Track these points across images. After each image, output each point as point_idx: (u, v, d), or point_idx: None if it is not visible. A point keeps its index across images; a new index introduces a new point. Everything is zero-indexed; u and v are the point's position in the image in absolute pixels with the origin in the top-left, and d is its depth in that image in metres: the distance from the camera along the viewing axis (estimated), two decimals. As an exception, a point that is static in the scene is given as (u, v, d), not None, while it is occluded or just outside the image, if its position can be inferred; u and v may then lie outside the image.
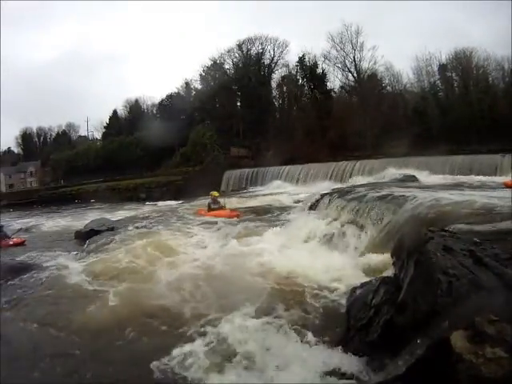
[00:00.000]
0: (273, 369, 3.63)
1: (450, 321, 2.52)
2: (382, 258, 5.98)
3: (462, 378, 1.89)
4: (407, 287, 3.72)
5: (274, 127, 41.19)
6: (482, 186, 12.26)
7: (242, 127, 42.94)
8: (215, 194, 16.83)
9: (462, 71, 41.68)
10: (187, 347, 4.33)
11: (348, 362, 3.49)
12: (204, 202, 22.30)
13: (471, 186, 12.30)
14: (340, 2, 65.50)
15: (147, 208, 21.64)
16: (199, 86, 52.06)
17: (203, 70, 50.69)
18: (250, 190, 27.74)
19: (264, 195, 21.45)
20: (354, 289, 5.02)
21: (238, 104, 49.18)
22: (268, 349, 4.07)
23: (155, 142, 42.50)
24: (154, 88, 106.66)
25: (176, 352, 4.19)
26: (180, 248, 9.13)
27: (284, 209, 15.40)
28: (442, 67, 42.83)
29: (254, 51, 48.65)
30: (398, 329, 3.26)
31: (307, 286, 6.01)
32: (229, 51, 49.12)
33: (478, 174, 18.24)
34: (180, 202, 24.12)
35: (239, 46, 48.76)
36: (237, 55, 49.44)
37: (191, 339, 4.56)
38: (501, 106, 36.30)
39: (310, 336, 4.31)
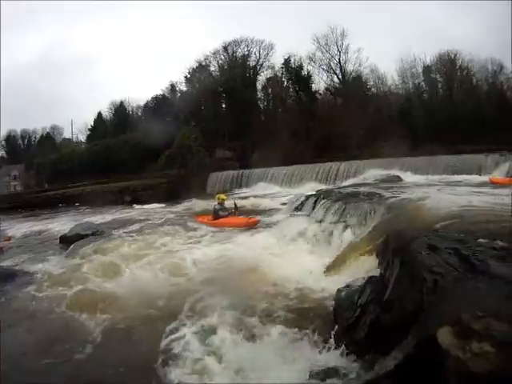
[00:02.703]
0: (261, 369, 3.61)
1: (436, 318, 2.53)
2: (368, 258, 5.98)
3: (450, 374, 1.90)
4: (393, 286, 3.74)
5: (259, 129, 41.15)
6: (468, 185, 12.44)
7: (227, 129, 42.83)
8: (223, 196, 13.96)
9: (446, 73, 42.62)
10: (176, 345, 4.36)
11: (336, 362, 3.50)
12: (188, 204, 22.38)
13: (458, 185, 12.50)
14: (326, 4, 65.61)
15: (132, 211, 21.41)
16: (185, 88, 51.80)
17: (189, 72, 50.43)
18: (236, 192, 27.66)
19: (249, 197, 21.37)
20: (341, 289, 5.04)
21: (224, 106, 49.12)
22: (256, 350, 4.06)
23: (140, 145, 42.28)
24: (140, 90, 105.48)
25: (164, 352, 4.18)
26: (166, 250, 9.04)
27: (270, 211, 15.39)
28: (427, 69, 43.64)
29: (239, 53, 48.56)
30: (385, 327, 3.27)
31: (293, 287, 6.02)
32: (214, 53, 48.98)
33: (463, 174, 18.43)
34: (165, 204, 23.90)
35: (225, 48, 48.59)
36: (222, 57, 49.30)
37: (181, 335, 4.59)
38: (484, 106, 37.26)
39: (297, 336, 4.31)
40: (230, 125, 42.55)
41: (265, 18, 75.81)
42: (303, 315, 4.98)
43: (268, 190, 26.43)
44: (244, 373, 3.71)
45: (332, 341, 4.02)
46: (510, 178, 13.34)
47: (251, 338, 4.42)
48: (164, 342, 4.57)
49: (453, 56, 42.13)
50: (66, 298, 6.26)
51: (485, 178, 14.53)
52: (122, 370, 4.06)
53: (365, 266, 5.78)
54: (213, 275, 6.99)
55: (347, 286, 5.01)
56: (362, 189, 11.18)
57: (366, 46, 56.82)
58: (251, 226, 12.17)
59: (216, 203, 13.47)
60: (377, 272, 4.79)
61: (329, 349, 3.84)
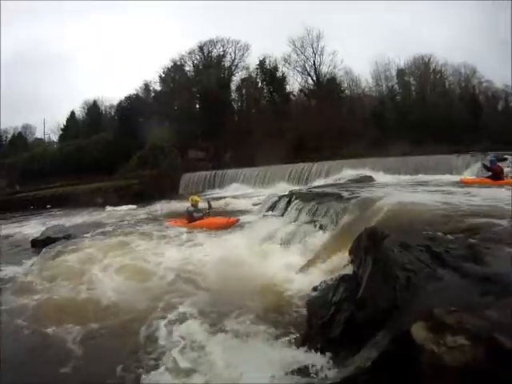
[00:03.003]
0: (236, 369, 3.59)
1: (409, 314, 2.56)
2: (341, 257, 6.01)
3: (426, 368, 1.92)
4: (366, 284, 3.78)
5: (232, 130, 41.04)
6: (439, 184, 12.67)
7: (200, 130, 42.49)
8: (196, 198, 13.53)
9: (419, 76, 44.20)
10: (150, 347, 4.33)
11: (312, 360, 3.47)
12: (160, 206, 22.09)
13: (428, 184, 12.74)
14: (302, 4, 65.96)
15: (104, 213, 21.02)
16: (159, 88, 51.08)
17: (163, 72, 49.80)
18: (208, 193, 27.49)
19: (222, 198, 21.26)
20: (314, 288, 5.06)
21: (197, 106, 48.63)
22: (230, 349, 4.03)
23: (113, 145, 41.58)
24: (114, 89, 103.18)
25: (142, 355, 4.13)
26: (136, 254, 8.87)
27: (242, 211, 15.32)
28: (401, 72, 44.92)
29: (215, 53, 48.33)
30: (359, 325, 3.29)
31: (267, 287, 6.01)
32: (190, 53, 48.60)
33: (435, 174, 18.84)
34: (136, 206, 23.56)
35: (201, 48, 48.23)
36: (198, 57, 48.97)
37: (154, 338, 4.56)
38: (456, 109, 39.09)
39: (271, 336, 4.31)
40: (203, 125, 42.19)
41: (241, 19, 75.47)
42: (277, 315, 4.98)
43: (241, 191, 26.33)
44: (219, 372, 3.67)
45: (307, 339, 4.03)
46: (480, 177, 13.62)
47: (225, 338, 4.39)
48: (140, 343, 4.55)
49: (427, 60, 43.75)
50: (33, 306, 6.07)
51: (456, 178, 14.83)
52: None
53: (338, 265, 5.81)
54: (184, 277, 6.91)
55: (321, 284, 5.03)
56: (334, 189, 11.24)
57: (341, 48, 57.64)
58: (230, 226, 12.03)
59: (190, 205, 13.10)
60: (350, 270, 4.83)
61: (304, 347, 3.84)
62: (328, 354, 3.43)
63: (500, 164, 13.67)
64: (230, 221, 12.37)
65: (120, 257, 8.48)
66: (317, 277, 5.80)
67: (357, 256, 4.74)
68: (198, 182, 33.40)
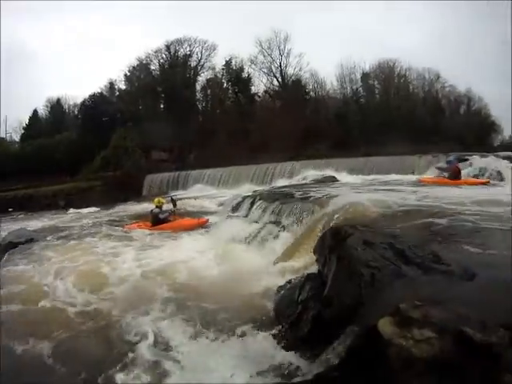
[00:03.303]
0: (205, 370, 3.56)
1: (376, 310, 2.61)
2: (305, 256, 6.07)
3: (394, 361, 1.95)
4: (331, 282, 3.82)
5: (196, 130, 40.59)
6: (401, 184, 13.03)
7: (164, 130, 41.83)
8: (161, 200, 12.86)
9: (384, 80, 45.54)
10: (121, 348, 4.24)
11: (282, 359, 3.49)
12: (124, 208, 21.64)
13: (388, 184, 13.09)
14: (270, 4, 66.27)
15: (66, 217, 20.32)
16: (124, 87, 49.66)
17: (128, 70, 48.39)
18: (172, 194, 27.04)
19: (186, 199, 20.95)
20: (280, 287, 5.08)
21: (162, 106, 47.73)
22: (199, 351, 3.99)
23: (76, 145, 40.26)
24: (78, 87, 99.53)
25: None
26: (98, 259, 8.59)
27: (207, 213, 15.19)
28: (365, 75, 46.13)
29: (181, 53, 47.33)
30: (327, 322, 3.31)
31: (233, 288, 5.94)
32: (156, 51, 47.30)
33: (397, 174, 19.32)
34: (99, 209, 22.92)
35: (167, 47, 47.13)
36: (164, 56, 47.79)
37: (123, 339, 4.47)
38: (419, 112, 40.86)
39: (239, 336, 4.27)
40: (167, 125, 41.50)
41: (210, 18, 74.57)
42: (245, 315, 4.91)
43: (205, 192, 25.98)
44: (189, 374, 3.63)
45: (276, 338, 4.03)
46: (438, 177, 14.01)
47: (194, 340, 4.33)
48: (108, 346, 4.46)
49: (392, 64, 45.19)
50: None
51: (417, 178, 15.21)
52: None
53: (303, 264, 5.88)
54: (150, 282, 6.72)
55: (287, 283, 5.06)
56: (298, 189, 11.34)
57: (308, 51, 58.03)
58: (201, 226, 11.82)
59: (154, 207, 12.54)
60: (315, 269, 4.87)
61: (273, 346, 3.85)
62: (297, 353, 3.45)
63: (457, 164, 14.09)
64: (200, 221, 12.18)
65: (79, 262, 8.22)
66: (282, 276, 5.84)
67: (321, 255, 4.77)
68: (162, 183, 32.85)
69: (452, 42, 75.10)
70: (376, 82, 46.78)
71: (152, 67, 48.39)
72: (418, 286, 2.87)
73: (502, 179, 14.57)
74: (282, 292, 4.92)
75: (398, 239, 3.98)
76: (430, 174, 15.82)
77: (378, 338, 2.14)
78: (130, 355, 4.13)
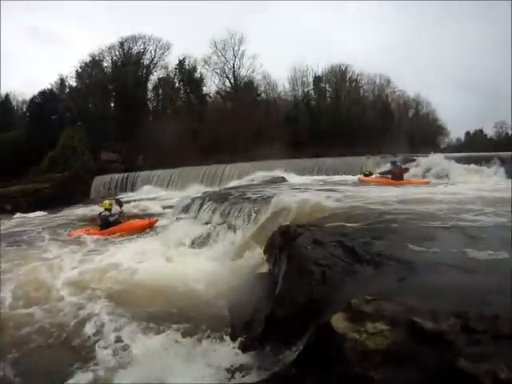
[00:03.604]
0: (162, 376, 3.50)
1: (328, 306, 2.67)
2: (256, 256, 6.10)
3: (350, 355, 1.99)
4: (282, 281, 3.87)
5: (146, 130, 39.61)
6: (344, 183, 13.39)
7: (114, 130, 40.43)
8: (109, 202, 12.42)
9: (335, 83, 47.03)
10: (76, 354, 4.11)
11: (238, 360, 3.49)
12: (72, 212, 20.76)
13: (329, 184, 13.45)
14: (226, 4, 66.35)
15: (11, 222, 19.16)
16: (75, 84, 47.24)
17: (80, 67, 46.09)
18: (121, 196, 26.28)
19: (135, 201, 20.42)
20: (233, 288, 5.07)
21: (112, 105, 46.18)
22: (155, 356, 3.91)
23: (23, 144, 37.88)
24: (28, 84, 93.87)
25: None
26: (45, 268, 8.14)
27: (155, 215, 14.90)
28: (317, 79, 47.13)
29: (135, 50, 45.89)
30: (281, 321, 3.34)
31: (185, 292, 5.85)
32: (110, 48, 45.57)
33: (346, 174, 19.67)
34: (47, 213, 21.80)
35: (121, 44, 45.46)
36: (117, 53, 46.08)
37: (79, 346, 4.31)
38: (368, 115, 42.81)
39: (195, 339, 4.20)
40: (117, 125, 40.13)
41: (166, 17, 73.37)
42: (199, 318, 4.82)
43: (154, 194, 25.46)
44: (145, 379, 3.57)
45: (231, 339, 4.02)
46: (377, 177, 14.50)
47: (149, 346, 4.22)
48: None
49: (344, 69, 46.97)
50: None
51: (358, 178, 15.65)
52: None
53: (253, 264, 5.89)
54: (98, 289, 6.47)
55: (239, 284, 5.06)
56: (247, 190, 11.39)
57: (262, 53, 58.90)
58: (151, 226, 11.71)
59: (103, 210, 12.07)
60: (266, 269, 4.91)
61: (228, 347, 3.83)
62: (254, 353, 3.46)
63: (401, 165, 14.76)
64: (150, 221, 12.02)
65: (21, 271, 7.83)
66: (234, 277, 5.81)
67: (271, 254, 4.83)
68: (110, 185, 31.81)
69: (403, 50, 79.21)
70: (327, 86, 48.00)
71: (105, 64, 46.81)
72: (368, 282, 2.96)
73: (447, 178, 15.35)
74: (235, 292, 4.91)
75: (348, 237, 4.09)
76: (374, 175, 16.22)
77: (333, 334, 2.18)
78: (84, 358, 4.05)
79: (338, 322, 2.23)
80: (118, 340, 4.42)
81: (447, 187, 11.08)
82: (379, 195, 7.97)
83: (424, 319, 2.01)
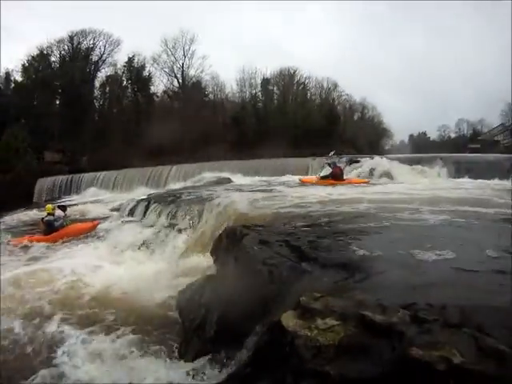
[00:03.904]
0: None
1: (278, 305, 2.69)
2: (203, 258, 6.05)
3: (303, 351, 2.00)
4: (231, 282, 3.89)
5: (92, 130, 38.19)
6: (282, 184, 13.56)
7: (58, 128, 38.47)
8: (52, 206, 11.88)
9: (283, 86, 48.00)
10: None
11: (192, 364, 3.42)
12: (15, 217, 19.61)
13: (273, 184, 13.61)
14: (182, 6, 65.48)
15: None
16: (20, 79, 43.60)
17: (27, 60, 42.82)
18: (65, 199, 25.16)
19: (78, 204, 19.63)
20: (182, 291, 4.99)
21: (58, 103, 43.78)
22: (106, 365, 3.76)
23: None
24: None
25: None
26: None
27: (100, 218, 14.40)
28: (265, 81, 47.91)
29: (84, 45, 43.89)
30: (232, 322, 3.32)
31: (134, 297, 5.69)
32: (59, 42, 43.14)
33: (292, 175, 19.83)
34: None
35: (71, 38, 43.22)
36: (66, 47, 43.79)
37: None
38: (315, 117, 43.82)
39: (147, 346, 4.12)
40: (62, 124, 38.25)
41: (118, 12, 70.70)
42: (150, 323, 4.73)
43: (99, 196, 24.50)
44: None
45: (183, 343, 3.98)
46: (317, 177, 14.84)
47: (99, 355, 4.04)
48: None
49: (292, 72, 48.18)
50: None
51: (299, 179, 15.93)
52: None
53: (201, 266, 5.84)
54: (45, 299, 6.17)
55: (188, 287, 4.99)
56: (193, 191, 11.33)
57: (212, 54, 58.83)
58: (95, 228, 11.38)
59: (46, 215, 11.49)
60: (214, 270, 4.86)
61: (181, 352, 3.79)
62: (208, 356, 3.41)
63: (340, 166, 15.18)
64: (94, 224, 11.70)
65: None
66: (182, 280, 5.73)
67: (219, 256, 4.84)
68: (54, 187, 30.20)
69: (351, 55, 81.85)
70: (275, 88, 48.86)
71: (52, 59, 44.21)
72: (316, 279, 2.99)
73: (391, 178, 16.02)
74: (184, 296, 4.84)
75: (292, 237, 4.18)
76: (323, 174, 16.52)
77: (284, 332, 2.19)
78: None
79: (288, 320, 2.24)
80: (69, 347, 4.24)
81: (386, 186, 11.66)
82: (310, 194, 8.16)
83: (373, 312, 2.07)
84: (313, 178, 15.23)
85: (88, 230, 11.32)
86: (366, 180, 15.02)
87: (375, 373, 1.80)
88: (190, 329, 4.11)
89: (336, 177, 13.94)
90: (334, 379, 1.85)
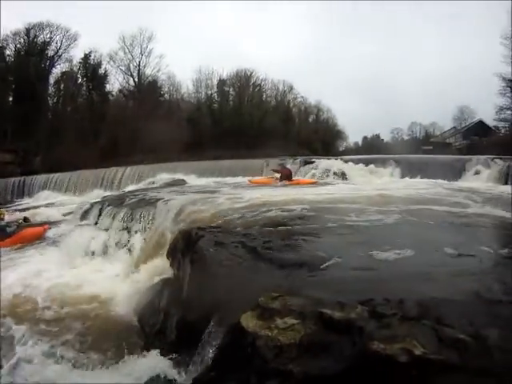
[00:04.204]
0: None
1: (236, 306, 2.67)
2: (159, 261, 5.92)
3: (265, 351, 2.03)
4: (188, 285, 3.88)
5: (45, 129, 36.62)
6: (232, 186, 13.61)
7: (10, 127, 36.58)
8: (3, 211, 11.81)
9: (239, 87, 48.36)
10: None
11: (156, 371, 3.36)
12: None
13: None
14: (137, 4, 63.98)
15: None
16: None
17: None
18: (17, 202, 24.06)
19: (31, 208, 18.84)
20: (140, 296, 4.91)
21: (11, 99, 41.23)
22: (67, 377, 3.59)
23: None
24: None
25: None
26: None
27: (54, 222, 13.91)
28: (221, 82, 48.25)
29: (41, 39, 41.64)
30: (192, 325, 3.28)
31: (91, 304, 5.51)
32: (15, 34, 40.78)
33: (245, 176, 19.80)
34: None
35: (27, 31, 40.92)
36: (22, 40, 41.37)
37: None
38: (270, 118, 44.50)
39: (109, 355, 3.97)
40: (14, 122, 36.35)
41: (76, 6, 67.75)
42: (109, 331, 4.58)
43: (52, 199, 23.63)
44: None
45: (145, 350, 3.86)
46: (267, 177, 15.06)
47: (60, 365, 3.85)
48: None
49: (249, 74, 48.65)
50: None
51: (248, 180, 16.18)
52: None
53: (158, 270, 5.72)
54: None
55: (145, 291, 4.94)
56: (147, 193, 11.12)
57: (169, 53, 57.98)
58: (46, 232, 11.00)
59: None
60: (171, 273, 4.80)
61: (144, 358, 3.67)
62: (170, 361, 3.38)
63: (288, 167, 15.89)
64: (44, 228, 11.37)
65: None
66: (139, 284, 5.62)
67: (175, 258, 4.83)
68: (6, 190, 28.64)
69: (307, 58, 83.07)
70: (231, 89, 49.16)
71: (7, 52, 41.70)
72: (273, 279, 3.05)
73: (345, 178, 16.79)
74: (142, 301, 4.78)
75: (249, 237, 4.22)
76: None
77: (244, 333, 2.22)
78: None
79: (248, 320, 2.28)
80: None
81: (335, 186, 12.00)
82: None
83: (332, 310, 2.12)
84: (263, 179, 15.42)
85: (38, 235, 10.93)
86: (314, 180, 15.68)
87: (338, 369, 1.84)
88: (151, 334, 4.08)
89: (284, 177, 14.18)
90: (298, 377, 1.87)
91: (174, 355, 3.43)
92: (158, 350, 3.69)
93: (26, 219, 12.02)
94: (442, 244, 3.67)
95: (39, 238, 10.74)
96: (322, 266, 3.15)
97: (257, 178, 16.16)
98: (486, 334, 1.83)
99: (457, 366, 1.67)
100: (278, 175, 14.56)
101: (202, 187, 13.70)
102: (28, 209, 18.24)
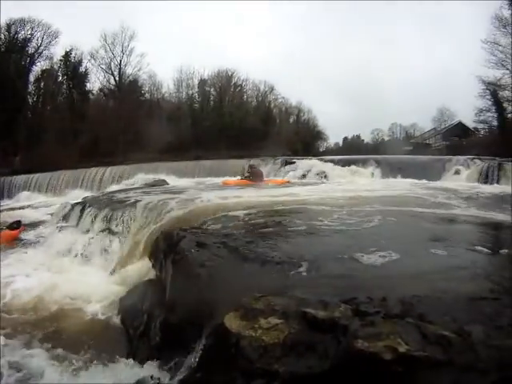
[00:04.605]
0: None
1: (219, 307, 2.66)
2: (142, 263, 5.90)
3: (249, 352, 2.03)
4: (171, 286, 3.86)
5: (24, 128, 35.90)
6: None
7: None
8: None
9: (220, 87, 48.01)
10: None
11: (141, 372, 3.29)
12: None
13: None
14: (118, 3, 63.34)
15: None
16: None
17: None
18: None
19: (10, 210, 18.53)
20: (122, 298, 4.87)
21: None
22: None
23: None
24: None
25: None
26: None
27: (34, 224, 13.68)
28: (203, 82, 48.01)
29: (21, 35, 40.34)
30: (176, 327, 3.28)
31: (75, 307, 5.38)
32: None
33: (225, 176, 19.84)
34: None
35: (8, 26, 39.48)
36: (3, 36, 39.95)
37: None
38: (250, 119, 44.69)
39: (91, 359, 3.87)
40: None
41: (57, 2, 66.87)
42: (91, 334, 4.50)
43: (32, 200, 23.23)
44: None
45: (129, 353, 3.84)
46: (240, 179, 15.11)
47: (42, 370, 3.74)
48: None
49: (230, 74, 48.40)
50: None
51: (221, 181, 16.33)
52: None
53: (141, 271, 5.70)
54: None
55: (128, 293, 4.91)
56: (129, 194, 11.02)
57: (150, 52, 57.42)
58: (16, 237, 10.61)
59: None
60: (153, 275, 4.77)
61: (128, 361, 3.62)
62: (155, 363, 3.32)
63: (259, 168, 16.45)
64: (20, 229, 11.09)
65: None
66: (122, 286, 5.60)
67: (157, 260, 4.83)
68: None
69: (288, 59, 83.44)
70: (212, 89, 48.87)
71: None
72: (256, 279, 3.06)
73: (326, 178, 17.04)
74: (125, 303, 4.74)
75: (231, 237, 4.24)
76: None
77: (228, 334, 2.22)
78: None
79: (231, 321, 2.28)
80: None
81: (304, 187, 11.93)
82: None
83: (315, 309, 2.14)
84: (235, 180, 15.54)
85: (15, 236, 10.70)
86: (287, 180, 16.00)
87: (323, 367, 1.85)
88: (135, 336, 4.05)
89: (255, 178, 14.44)
90: (284, 377, 1.88)
91: (159, 357, 3.39)
92: (142, 353, 3.68)
93: (18, 223, 11.65)
94: (424, 243, 3.71)
95: (14, 240, 10.49)
96: (303, 267, 3.15)
97: (230, 179, 16.25)
98: (469, 330, 1.85)
99: (441, 362, 1.69)
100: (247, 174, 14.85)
101: (178, 188, 13.69)
102: (7, 210, 17.87)
